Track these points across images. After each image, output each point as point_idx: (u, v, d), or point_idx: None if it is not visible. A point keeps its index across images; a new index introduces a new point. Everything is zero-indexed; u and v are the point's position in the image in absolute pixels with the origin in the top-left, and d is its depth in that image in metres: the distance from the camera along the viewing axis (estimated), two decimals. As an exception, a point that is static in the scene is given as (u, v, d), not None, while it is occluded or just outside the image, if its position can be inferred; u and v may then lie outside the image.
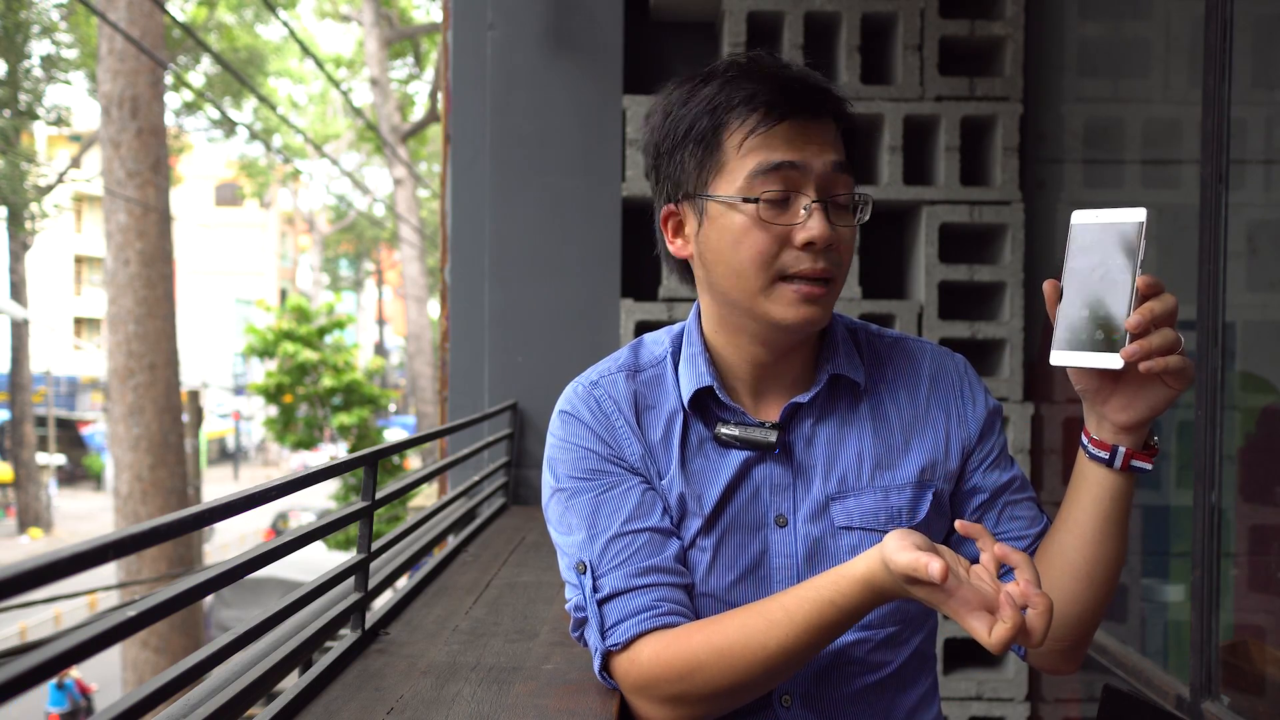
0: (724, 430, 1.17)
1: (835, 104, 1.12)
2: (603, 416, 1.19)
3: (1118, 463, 1.04)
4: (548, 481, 1.21)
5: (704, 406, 1.19)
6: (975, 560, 1.16)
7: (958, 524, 0.99)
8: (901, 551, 0.95)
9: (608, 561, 1.12)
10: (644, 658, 1.09)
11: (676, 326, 1.26)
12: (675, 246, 1.18)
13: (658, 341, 1.25)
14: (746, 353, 1.18)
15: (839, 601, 1.02)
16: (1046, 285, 1.03)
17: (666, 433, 1.18)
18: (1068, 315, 1.00)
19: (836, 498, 1.16)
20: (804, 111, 1.09)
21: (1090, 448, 1.06)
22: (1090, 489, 1.07)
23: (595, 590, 1.12)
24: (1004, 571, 1.15)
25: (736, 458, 1.17)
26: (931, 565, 0.91)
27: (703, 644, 1.07)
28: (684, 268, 1.22)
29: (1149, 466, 1.04)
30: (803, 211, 1.08)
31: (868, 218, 1.13)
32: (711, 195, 1.11)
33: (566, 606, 1.18)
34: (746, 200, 1.08)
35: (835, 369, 1.18)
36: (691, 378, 1.18)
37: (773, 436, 1.15)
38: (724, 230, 1.11)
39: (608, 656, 1.13)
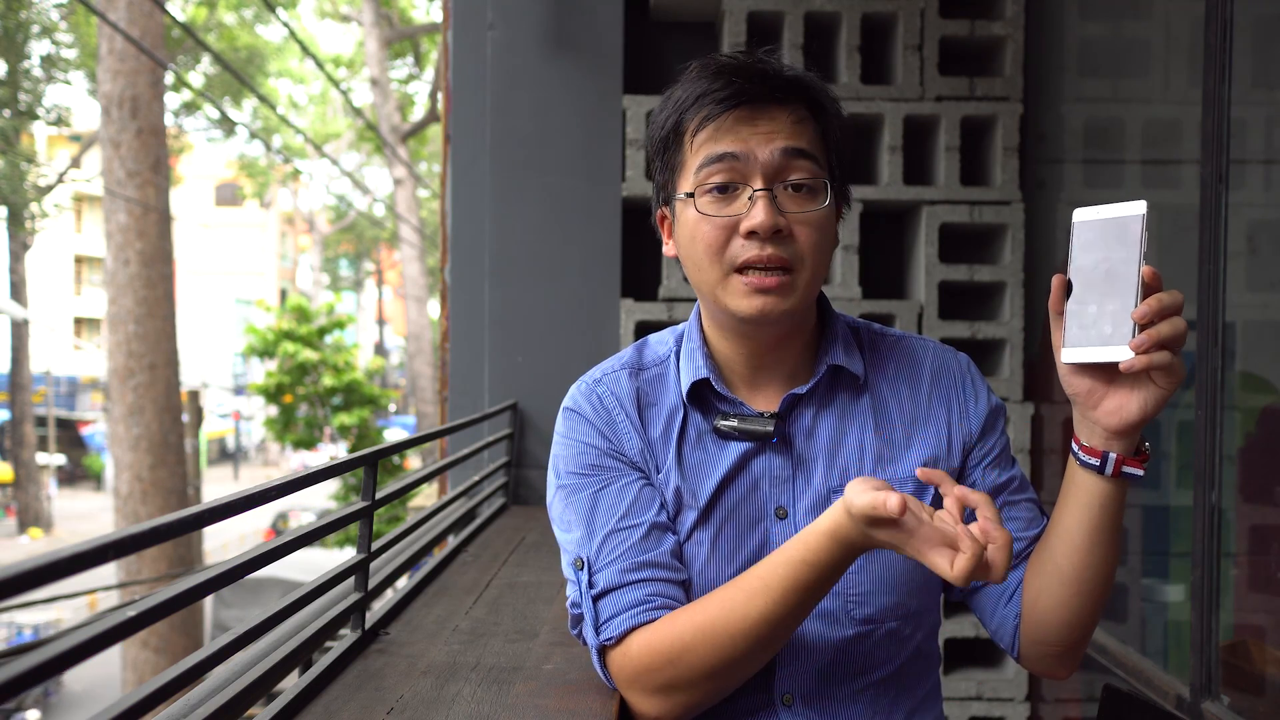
0: (722, 422, 1.17)
1: (788, 89, 1.11)
2: (604, 412, 1.20)
3: (1109, 469, 1.02)
4: (551, 480, 1.22)
5: (703, 399, 1.19)
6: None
7: (918, 470, 1.02)
8: (861, 495, 0.97)
9: (604, 557, 1.13)
10: (634, 649, 1.10)
11: (680, 326, 1.27)
12: (668, 247, 1.21)
13: (662, 341, 1.27)
14: (739, 345, 1.19)
15: (809, 559, 1.03)
16: (1056, 279, 1.01)
17: (667, 428, 1.19)
18: (1076, 312, 1.00)
19: (838, 490, 1.16)
20: (750, 100, 1.09)
21: (1081, 454, 1.04)
22: (1080, 496, 1.06)
23: (591, 586, 1.13)
24: (1022, 554, 1.19)
25: (734, 450, 1.17)
26: (890, 500, 0.94)
27: (686, 625, 1.07)
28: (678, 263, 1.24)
29: (1140, 473, 1.03)
30: (748, 200, 1.09)
31: (826, 203, 1.11)
32: (676, 194, 1.15)
33: (567, 604, 1.19)
34: (688, 195, 1.11)
35: (833, 360, 1.19)
36: (690, 370, 1.19)
37: (770, 426, 1.15)
38: (683, 226, 1.14)
39: (602, 652, 1.14)
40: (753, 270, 1.09)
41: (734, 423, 1.17)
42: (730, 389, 1.20)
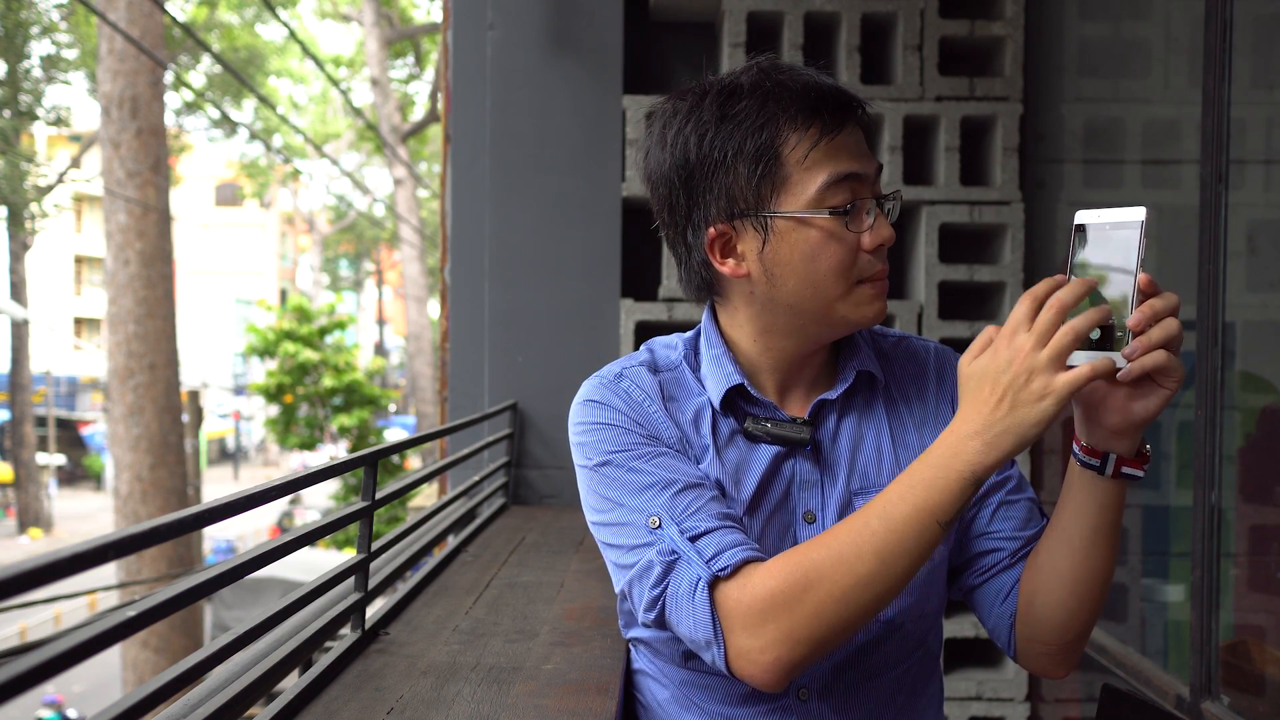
0: (754, 425, 1.16)
1: (859, 107, 1.14)
2: (634, 403, 1.16)
3: (1108, 470, 1.02)
4: (582, 465, 1.16)
5: (732, 403, 1.18)
6: (978, 552, 1.20)
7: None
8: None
9: (684, 509, 1.07)
10: (756, 577, 1.02)
11: (684, 334, 1.26)
12: (728, 267, 1.13)
13: (670, 346, 1.25)
14: (780, 352, 1.18)
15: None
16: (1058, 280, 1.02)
17: (696, 421, 1.17)
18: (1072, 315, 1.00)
19: (859, 493, 1.17)
20: (853, 122, 1.12)
21: (1081, 455, 1.04)
22: (1080, 497, 1.05)
23: (682, 531, 1.06)
24: (1018, 553, 1.18)
25: (767, 452, 1.16)
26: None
27: (819, 548, 1.02)
28: (705, 282, 1.18)
29: (1141, 474, 1.02)
30: (867, 217, 1.11)
31: (897, 215, 1.15)
32: (780, 212, 1.10)
33: (624, 577, 1.11)
34: (833, 212, 1.09)
35: (861, 365, 1.19)
36: (720, 377, 1.17)
37: (806, 432, 1.14)
38: (797, 245, 1.10)
39: (714, 585, 1.04)
40: (873, 281, 1.12)
41: (767, 426, 1.15)
42: (760, 393, 1.19)
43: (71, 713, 11.21)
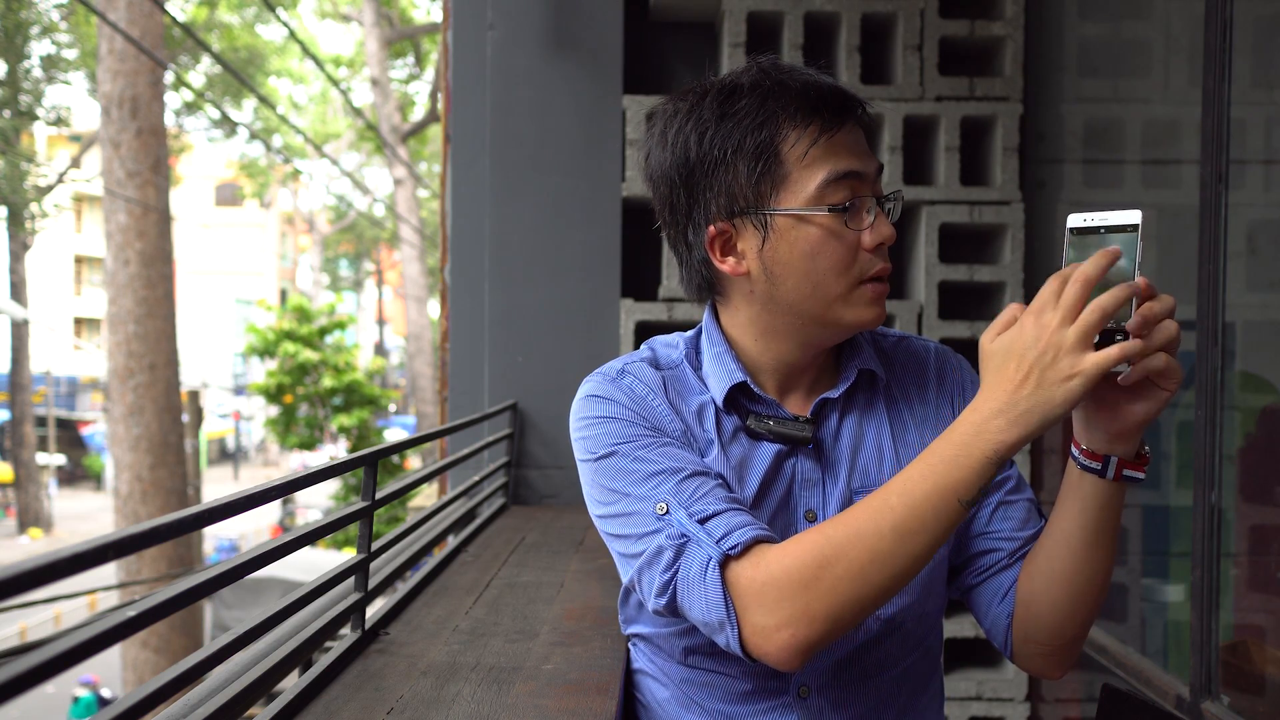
0: (757, 423, 1.16)
1: (859, 106, 1.14)
2: (637, 398, 1.15)
3: (1110, 473, 1.02)
4: (585, 460, 1.15)
5: (734, 401, 1.18)
6: (977, 551, 1.20)
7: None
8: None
9: (691, 494, 1.06)
10: (772, 555, 1.01)
11: (685, 333, 1.25)
12: (728, 265, 1.13)
13: (671, 345, 1.24)
14: (781, 352, 1.18)
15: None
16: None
17: (700, 417, 1.17)
18: None
19: (860, 492, 1.16)
20: (852, 119, 1.12)
21: (1081, 458, 1.04)
22: (1080, 499, 1.05)
23: (690, 515, 1.05)
24: (1016, 553, 1.18)
25: (769, 450, 1.16)
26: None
27: (837, 526, 1.00)
28: (706, 281, 1.18)
29: (1142, 476, 1.02)
30: (867, 215, 1.10)
31: (898, 215, 1.14)
32: (780, 209, 1.09)
33: (632, 566, 1.09)
34: (833, 209, 1.08)
35: (863, 364, 1.19)
36: (723, 375, 1.17)
37: (808, 431, 1.14)
38: (797, 243, 1.10)
39: (725, 564, 1.03)
40: (873, 281, 1.11)
41: (770, 424, 1.15)
42: (762, 391, 1.19)
43: (106, 692, 11.23)
